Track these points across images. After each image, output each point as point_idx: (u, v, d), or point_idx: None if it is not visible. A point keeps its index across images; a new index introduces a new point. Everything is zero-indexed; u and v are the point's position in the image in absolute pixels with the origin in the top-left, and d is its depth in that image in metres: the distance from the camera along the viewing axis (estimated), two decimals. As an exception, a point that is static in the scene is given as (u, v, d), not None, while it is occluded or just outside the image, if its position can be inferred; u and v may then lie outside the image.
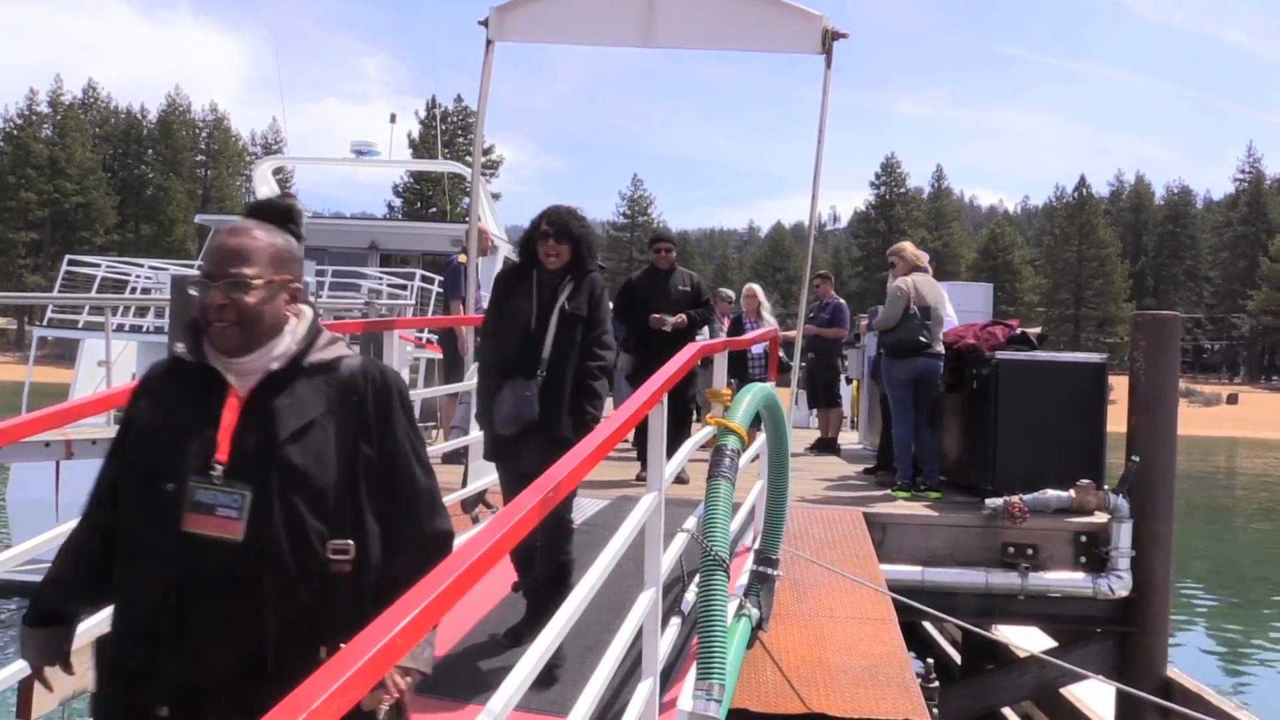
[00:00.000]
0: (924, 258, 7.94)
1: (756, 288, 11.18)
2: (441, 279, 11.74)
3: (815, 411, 12.37)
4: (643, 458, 7.06)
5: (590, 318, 4.28)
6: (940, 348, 7.53)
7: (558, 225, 4.29)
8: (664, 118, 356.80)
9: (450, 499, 5.61)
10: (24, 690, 2.96)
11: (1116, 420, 6.94)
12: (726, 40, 7.53)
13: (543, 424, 4.10)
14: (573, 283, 4.29)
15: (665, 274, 7.93)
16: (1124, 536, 6.40)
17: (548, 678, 3.64)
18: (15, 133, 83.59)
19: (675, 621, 3.79)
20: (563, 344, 4.21)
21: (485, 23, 7.54)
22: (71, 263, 16.94)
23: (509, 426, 4.13)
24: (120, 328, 15.63)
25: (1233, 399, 71.91)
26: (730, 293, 12.67)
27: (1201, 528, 21.63)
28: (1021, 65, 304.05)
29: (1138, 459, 6.59)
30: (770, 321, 10.53)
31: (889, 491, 7.46)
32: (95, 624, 2.47)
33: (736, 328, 10.39)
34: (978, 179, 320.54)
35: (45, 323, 15.11)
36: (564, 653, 3.74)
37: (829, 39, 6.93)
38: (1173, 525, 6.65)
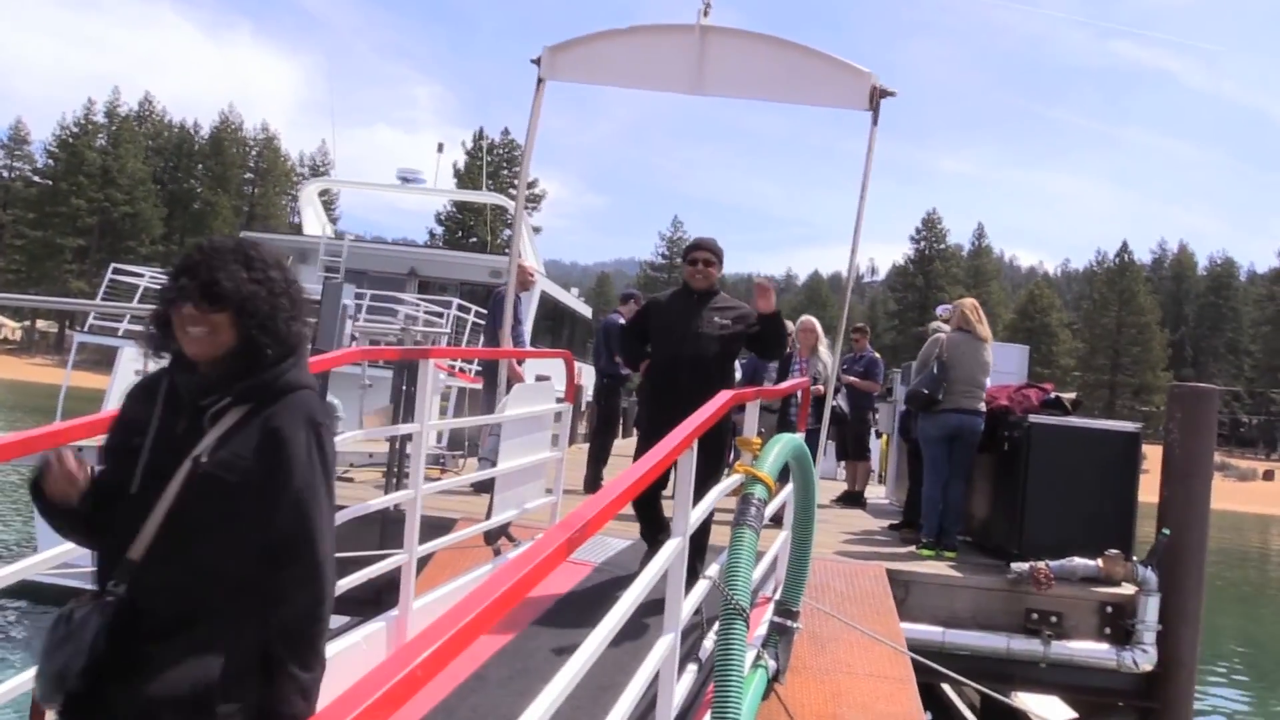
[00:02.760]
0: (973, 321, 7.66)
1: (815, 321, 9.62)
2: (480, 309, 11.84)
3: (843, 464, 12.28)
4: (646, 523, 5.67)
5: (271, 484, 2.07)
6: (972, 404, 7.45)
7: (206, 279, 2.10)
8: (707, 161, 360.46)
9: (474, 530, 5.64)
10: (35, 711, 2.95)
11: (1148, 490, 6.86)
12: (775, 92, 7.60)
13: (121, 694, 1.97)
14: (237, 410, 2.12)
15: (700, 297, 5.56)
16: (1151, 610, 6.31)
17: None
18: (70, 140, 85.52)
19: (691, 668, 3.78)
20: (183, 533, 2.04)
21: (537, 61, 7.66)
22: (116, 271, 17.19)
23: (50, 693, 2.00)
24: (160, 338, 15.80)
25: (1269, 475, 70.57)
26: None
27: (1231, 605, 21.18)
28: (1068, 129, 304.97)
29: (1168, 532, 6.50)
30: (827, 359, 9.24)
31: (914, 549, 7.40)
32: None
33: (784, 367, 8.80)
34: (1019, 239, 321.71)
35: (86, 328, 15.32)
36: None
37: (877, 96, 6.97)
38: (1201, 601, 6.55)
